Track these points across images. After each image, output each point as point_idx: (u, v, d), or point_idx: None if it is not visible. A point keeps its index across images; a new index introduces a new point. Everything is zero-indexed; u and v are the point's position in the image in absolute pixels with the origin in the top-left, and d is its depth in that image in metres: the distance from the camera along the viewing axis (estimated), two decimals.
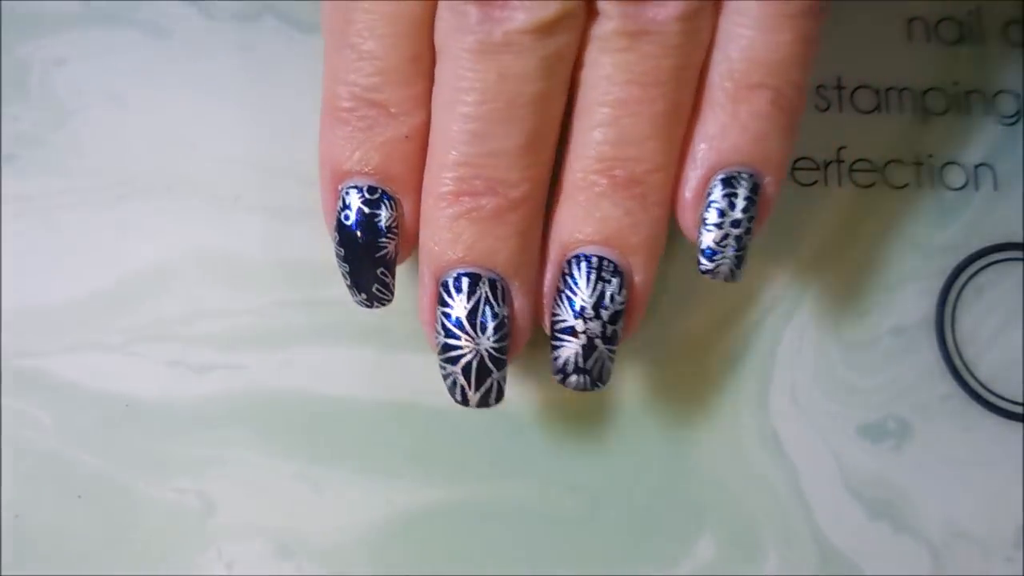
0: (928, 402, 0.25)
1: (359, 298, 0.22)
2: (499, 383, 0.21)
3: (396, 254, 0.21)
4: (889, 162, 0.26)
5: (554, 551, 0.23)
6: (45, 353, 0.24)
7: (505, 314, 0.21)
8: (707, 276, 0.21)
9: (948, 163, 0.26)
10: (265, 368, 0.24)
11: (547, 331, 0.22)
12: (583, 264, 0.21)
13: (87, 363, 0.24)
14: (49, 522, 0.23)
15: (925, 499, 0.24)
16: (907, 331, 0.25)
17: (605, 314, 0.21)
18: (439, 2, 0.21)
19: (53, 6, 0.26)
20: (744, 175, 0.21)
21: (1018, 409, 0.25)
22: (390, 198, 0.21)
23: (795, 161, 0.26)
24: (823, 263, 0.25)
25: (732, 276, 0.21)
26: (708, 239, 0.21)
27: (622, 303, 0.21)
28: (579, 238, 0.21)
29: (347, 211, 0.21)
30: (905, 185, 0.26)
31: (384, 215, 0.21)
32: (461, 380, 0.21)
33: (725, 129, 0.21)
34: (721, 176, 0.21)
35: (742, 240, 0.21)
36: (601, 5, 0.21)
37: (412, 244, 0.22)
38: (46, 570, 0.22)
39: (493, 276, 0.21)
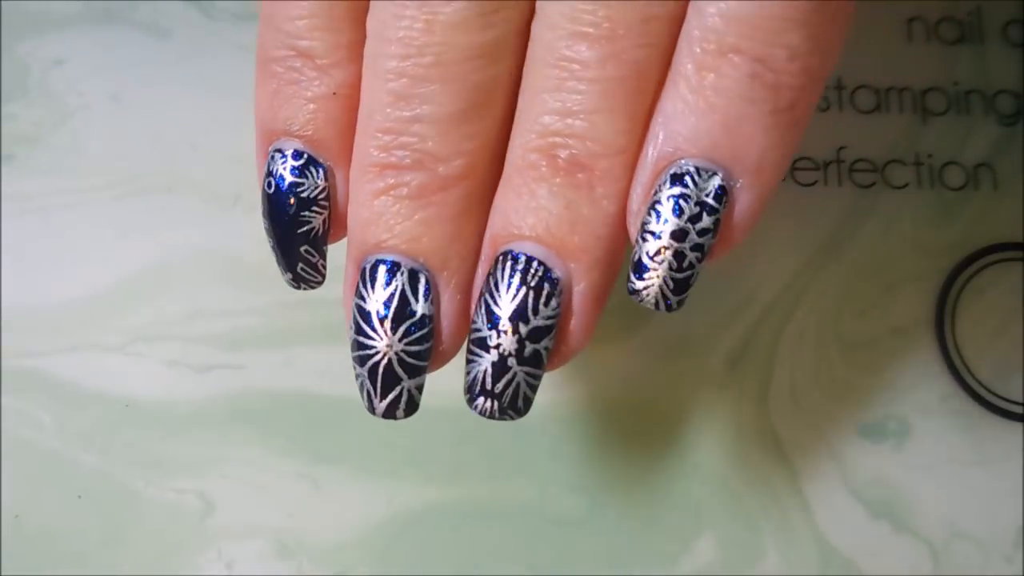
0: (928, 402, 0.25)
1: (285, 277, 0.19)
2: (411, 392, 0.17)
3: (324, 231, 0.18)
4: (889, 162, 0.26)
5: (554, 551, 0.23)
6: (45, 353, 0.24)
7: (427, 313, 0.17)
8: (634, 299, 0.17)
9: (948, 163, 0.26)
10: (265, 368, 0.24)
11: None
12: (508, 264, 0.17)
13: (87, 363, 0.24)
14: (49, 522, 0.23)
15: (925, 499, 0.24)
16: (907, 331, 0.25)
17: (524, 328, 0.17)
18: None
19: (53, 6, 0.26)
20: (703, 172, 0.16)
21: (1018, 409, 0.25)
22: (319, 165, 0.18)
23: (795, 161, 0.26)
24: (823, 263, 0.25)
25: (664, 304, 0.17)
26: (642, 250, 0.16)
27: (550, 317, 0.17)
28: (512, 232, 0.17)
29: (270, 178, 0.18)
30: (905, 185, 0.26)
31: (308, 185, 0.18)
32: (368, 384, 0.17)
33: (686, 107, 0.16)
34: (672, 170, 0.16)
35: (684, 258, 0.16)
36: None
37: (343, 225, 0.19)
38: (46, 570, 0.22)
39: (416, 266, 0.17)
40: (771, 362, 0.25)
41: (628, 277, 0.17)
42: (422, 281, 0.17)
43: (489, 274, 0.17)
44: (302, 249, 0.18)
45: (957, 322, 0.25)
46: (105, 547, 0.23)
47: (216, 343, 0.24)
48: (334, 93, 0.18)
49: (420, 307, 0.17)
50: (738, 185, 0.16)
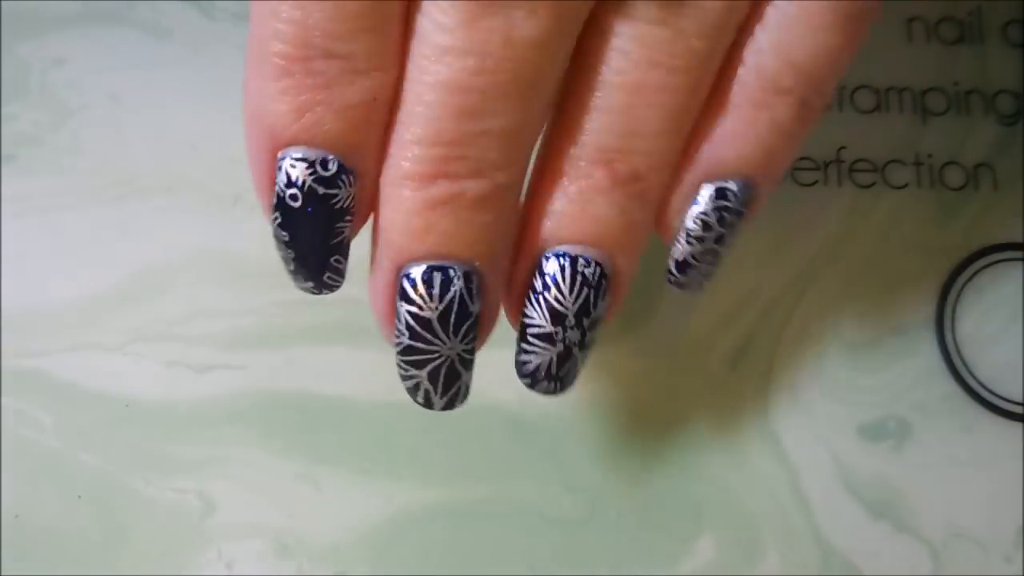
0: (928, 402, 0.25)
1: (305, 286, 0.18)
2: (467, 384, 0.18)
3: (351, 235, 0.18)
4: (889, 162, 0.26)
5: (554, 551, 0.23)
6: (45, 353, 0.24)
7: (478, 312, 0.17)
8: (674, 288, 0.19)
9: (948, 163, 0.26)
10: (265, 368, 0.24)
11: (516, 330, 0.19)
12: (566, 264, 0.18)
13: (87, 363, 0.24)
14: (49, 522, 0.23)
15: (925, 499, 0.24)
16: (907, 331, 0.25)
17: (587, 322, 0.18)
18: None
19: (53, 6, 0.26)
20: (741, 187, 0.18)
21: (1018, 409, 0.25)
22: (348, 171, 0.17)
23: (795, 161, 0.26)
24: (823, 263, 0.25)
25: (701, 289, 0.19)
26: (686, 252, 0.18)
27: (606, 309, 0.18)
28: (563, 236, 0.18)
29: (293, 189, 0.17)
30: (905, 185, 0.26)
31: (342, 195, 0.17)
32: (426, 385, 0.18)
33: (737, 136, 0.18)
34: (717, 186, 0.18)
35: (720, 255, 0.19)
36: None
37: (366, 220, 0.18)
38: (46, 570, 0.22)
39: (468, 269, 0.17)
40: (771, 362, 0.25)
41: (668, 270, 0.19)
42: (474, 283, 0.17)
43: (541, 273, 0.18)
44: (332, 259, 0.18)
45: (957, 322, 0.25)
46: (105, 547, 0.23)
47: (216, 343, 0.24)
48: (374, 98, 0.16)
49: (475, 308, 0.17)
50: (761, 191, 0.18)
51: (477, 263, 0.17)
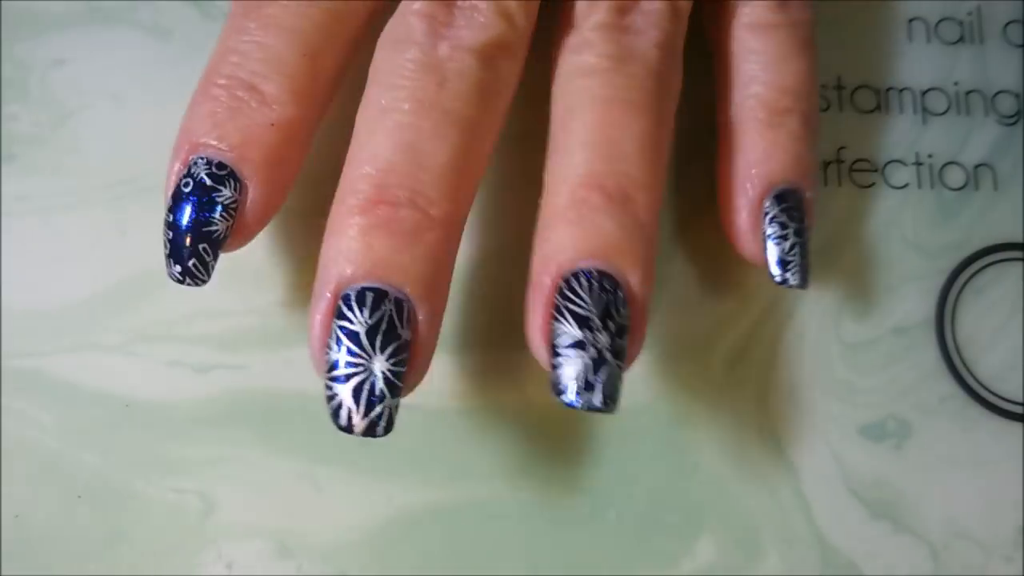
0: (928, 402, 0.25)
1: (173, 270, 0.21)
2: (391, 412, 0.19)
3: (225, 237, 0.20)
4: (889, 162, 0.26)
5: (554, 551, 0.23)
6: (45, 353, 0.24)
7: (407, 338, 0.19)
8: (783, 286, 0.23)
9: (948, 163, 0.26)
10: (265, 368, 0.24)
11: (544, 357, 0.20)
12: (582, 278, 0.20)
13: (87, 363, 0.24)
14: (49, 522, 0.23)
15: (925, 499, 0.24)
16: (907, 331, 0.25)
17: (612, 326, 0.19)
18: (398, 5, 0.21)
19: (53, 6, 0.26)
20: (791, 190, 0.23)
21: (1018, 409, 0.25)
22: (237, 180, 0.20)
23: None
24: (823, 263, 0.25)
25: (805, 283, 0.23)
26: (777, 251, 0.23)
27: (628, 316, 0.20)
28: (573, 256, 0.20)
29: (188, 179, 0.20)
30: (905, 185, 0.26)
31: (225, 194, 0.20)
32: (349, 402, 0.19)
33: (770, 154, 0.23)
34: (775, 193, 0.23)
35: (806, 247, 0.23)
36: (584, 35, 0.22)
37: (248, 236, 0.21)
38: (46, 570, 0.22)
39: (400, 296, 0.19)
40: (771, 362, 0.25)
41: (771, 275, 0.23)
42: (405, 309, 0.19)
43: (562, 293, 0.20)
44: (200, 247, 0.20)
45: (957, 322, 0.25)
46: (105, 547, 0.23)
47: (216, 343, 0.24)
48: (272, 124, 0.20)
49: (404, 332, 0.19)
50: (807, 194, 0.23)
51: (407, 290, 0.19)
